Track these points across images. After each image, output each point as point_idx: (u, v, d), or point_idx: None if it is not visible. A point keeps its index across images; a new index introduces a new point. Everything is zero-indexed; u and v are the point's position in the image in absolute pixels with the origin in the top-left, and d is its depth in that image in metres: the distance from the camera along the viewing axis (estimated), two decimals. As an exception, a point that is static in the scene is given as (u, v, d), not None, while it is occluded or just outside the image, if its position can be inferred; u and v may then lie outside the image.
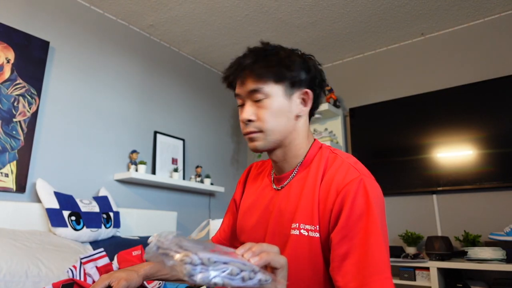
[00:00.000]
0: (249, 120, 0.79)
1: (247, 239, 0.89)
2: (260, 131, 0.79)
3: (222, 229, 1.05)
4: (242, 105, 0.82)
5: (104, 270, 1.55)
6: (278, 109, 0.78)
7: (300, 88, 0.81)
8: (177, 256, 0.44)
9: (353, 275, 0.64)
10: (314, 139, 0.87)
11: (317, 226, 0.74)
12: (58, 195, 1.90)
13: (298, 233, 0.75)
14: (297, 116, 0.82)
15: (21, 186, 1.88)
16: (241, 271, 0.46)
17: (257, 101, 0.78)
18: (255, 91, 0.78)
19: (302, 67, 0.82)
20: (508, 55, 2.45)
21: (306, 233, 0.74)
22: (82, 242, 1.85)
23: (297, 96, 0.81)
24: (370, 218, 0.67)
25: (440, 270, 2.12)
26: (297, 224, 0.76)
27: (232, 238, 1.03)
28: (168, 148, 2.78)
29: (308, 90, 0.82)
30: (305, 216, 0.75)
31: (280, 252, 0.70)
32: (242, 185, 1.04)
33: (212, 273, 0.43)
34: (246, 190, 1.00)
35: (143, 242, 1.99)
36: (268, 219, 0.85)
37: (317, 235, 0.73)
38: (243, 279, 0.46)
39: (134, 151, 2.48)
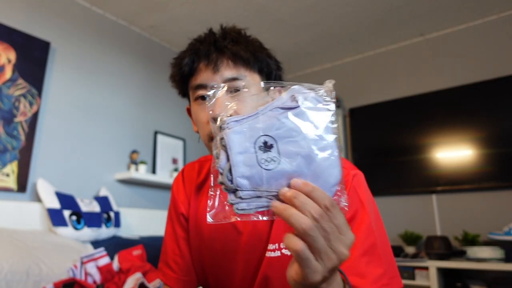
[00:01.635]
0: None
1: (211, 273, 0.74)
2: None
3: (179, 258, 0.79)
4: (203, 98, 0.66)
5: (104, 269, 1.56)
6: (258, 105, 0.66)
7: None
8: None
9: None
10: None
11: None
12: (58, 195, 1.91)
13: (278, 254, 0.64)
14: None
15: (22, 186, 1.89)
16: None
17: (232, 93, 0.64)
18: (235, 79, 0.64)
19: (276, 61, 0.72)
20: (507, 56, 2.46)
21: (288, 252, 0.62)
22: (83, 242, 1.86)
23: (272, 94, 0.71)
24: (365, 216, 0.61)
25: (439, 270, 2.13)
26: (276, 245, 0.64)
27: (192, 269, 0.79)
28: (169, 148, 2.79)
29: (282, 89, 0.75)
30: (285, 232, 0.66)
31: (258, 280, 0.59)
32: (184, 195, 0.80)
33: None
34: (191, 204, 0.78)
35: (143, 241, 2.00)
36: (237, 242, 0.69)
37: None
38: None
39: (134, 151, 2.48)
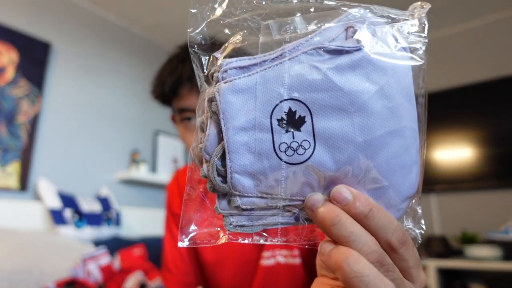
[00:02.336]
0: None
1: (208, 276, 0.74)
2: None
3: (179, 260, 0.77)
4: (189, 119, 0.65)
5: (106, 269, 1.57)
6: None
7: None
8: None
9: None
10: None
11: (296, 250, 0.59)
12: (60, 194, 1.92)
13: (273, 263, 0.60)
14: None
15: (23, 185, 1.91)
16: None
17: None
18: None
19: None
20: (507, 56, 2.46)
21: (283, 260, 0.59)
22: (84, 241, 1.87)
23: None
24: None
25: (438, 269, 2.14)
26: (271, 252, 0.61)
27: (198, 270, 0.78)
28: (169, 147, 2.80)
29: None
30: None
31: None
32: (178, 197, 0.83)
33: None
34: None
35: (144, 241, 2.01)
36: (230, 248, 0.66)
37: (298, 261, 0.58)
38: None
39: (135, 151, 2.50)
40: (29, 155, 1.95)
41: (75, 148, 2.21)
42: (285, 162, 0.24)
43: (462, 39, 2.67)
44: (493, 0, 2.40)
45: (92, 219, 1.93)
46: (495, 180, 2.31)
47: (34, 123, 2.00)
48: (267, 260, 0.60)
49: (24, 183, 1.91)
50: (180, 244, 0.28)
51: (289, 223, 0.27)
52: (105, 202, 2.11)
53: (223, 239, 0.27)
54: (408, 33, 0.26)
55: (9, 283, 1.37)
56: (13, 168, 1.88)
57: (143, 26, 2.73)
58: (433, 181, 2.52)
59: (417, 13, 0.27)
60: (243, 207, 0.26)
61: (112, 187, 2.36)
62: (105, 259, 1.62)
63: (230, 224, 0.27)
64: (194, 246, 0.28)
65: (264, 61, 0.25)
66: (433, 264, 2.12)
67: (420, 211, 0.28)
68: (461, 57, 2.65)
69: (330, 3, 0.26)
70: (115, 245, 1.91)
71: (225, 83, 0.25)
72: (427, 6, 0.26)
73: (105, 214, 2.03)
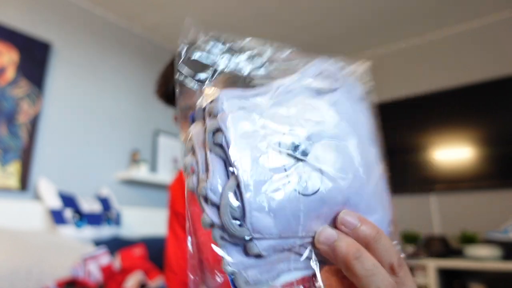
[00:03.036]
0: None
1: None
2: None
3: (182, 260, 0.77)
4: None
5: (106, 268, 1.57)
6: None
7: None
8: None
9: None
10: None
11: None
12: (60, 194, 1.92)
13: None
14: None
15: (24, 185, 1.91)
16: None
17: None
18: None
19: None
20: (507, 56, 2.47)
21: None
22: (84, 241, 1.88)
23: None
24: None
25: (438, 269, 2.14)
26: None
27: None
28: (170, 147, 2.80)
29: None
30: None
31: None
32: (182, 195, 0.79)
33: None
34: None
35: (144, 241, 2.01)
36: None
37: None
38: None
39: (135, 150, 2.50)
40: (29, 155, 1.95)
41: (75, 148, 2.21)
42: (301, 193, 0.23)
43: (462, 39, 2.67)
44: (493, 0, 2.41)
45: (92, 219, 1.94)
46: (495, 180, 2.31)
47: (34, 123, 2.00)
48: None
49: (24, 183, 1.91)
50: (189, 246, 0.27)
51: (301, 268, 0.24)
52: (105, 202, 2.11)
53: None
54: (362, 80, 0.28)
55: (9, 283, 1.37)
56: (14, 168, 1.88)
57: (143, 26, 2.73)
58: (433, 181, 2.52)
59: (362, 67, 0.30)
60: (264, 253, 0.22)
61: (112, 187, 2.37)
62: (105, 259, 1.62)
63: (246, 282, 0.23)
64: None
65: (257, 93, 0.25)
66: (433, 264, 2.12)
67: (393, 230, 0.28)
68: (461, 57, 2.65)
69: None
70: (115, 245, 1.91)
71: (228, 113, 0.23)
72: (368, 64, 0.29)
73: (105, 214, 2.04)
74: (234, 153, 0.22)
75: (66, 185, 2.08)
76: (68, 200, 1.92)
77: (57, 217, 1.82)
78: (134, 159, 2.47)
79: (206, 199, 0.23)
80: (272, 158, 0.23)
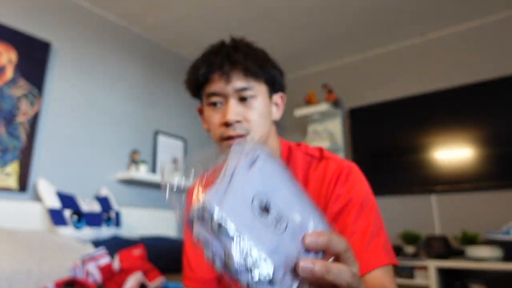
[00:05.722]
0: (237, 121, 0.70)
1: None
2: (247, 134, 0.71)
3: (200, 258, 0.81)
4: (215, 104, 0.74)
5: (105, 269, 1.57)
6: (264, 111, 0.73)
7: (277, 91, 0.79)
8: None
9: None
10: (282, 142, 0.82)
11: None
12: (59, 194, 1.92)
13: None
14: (273, 121, 0.78)
15: (23, 186, 1.90)
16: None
17: (242, 101, 0.71)
18: (245, 89, 0.71)
19: (279, 69, 0.79)
20: (507, 56, 2.46)
21: None
22: (83, 241, 1.87)
23: (275, 100, 0.78)
24: (369, 190, 0.70)
25: (439, 269, 2.14)
26: None
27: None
28: (169, 147, 2.80)
29: (283, 95, 0.80)
30: None
31: None
32: None
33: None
34: None
35: (144, 241, 2.01)
36: None
37: None
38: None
39: (135, 151, 2.49)
40: (28, 155, 1.94)
41: (74, 148, 2.21)
42: (281, 233, 0.33)
43: (462, 39, 2.67)
44: (493, 0, 2.40)
45: (92, 219, 1.93)
46: (495, 181, 2.30)
47: (33, 123, 1.99)
48: None
49: (23, 183, 1.90)
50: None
51: None
52: (104, 202, 2.11)
53: None
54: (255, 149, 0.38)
55: (9, 283, 1.36)
56: (13, 168, 1.88)
57: (143, 26, 2.73)
58: (434, 182, 2.52)
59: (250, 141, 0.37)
60: None
61: (112, 187, 2.36)
62: (104, 260, 1.61)
63: None
64: None
65: (222, 182, 0.33)
66: (433, 264, 2.12)
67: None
68: (461, 57, 2.65)
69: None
70: (114, 245, 1.90)
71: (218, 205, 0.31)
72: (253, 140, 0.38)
73: (105, 214, 2.03)
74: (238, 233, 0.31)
75: (65, 186, 2.08)
76: (67, 201, 1.92)
77: (56, 218, 1.82)
78: (134, 159, 2.47)
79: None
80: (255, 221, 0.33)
